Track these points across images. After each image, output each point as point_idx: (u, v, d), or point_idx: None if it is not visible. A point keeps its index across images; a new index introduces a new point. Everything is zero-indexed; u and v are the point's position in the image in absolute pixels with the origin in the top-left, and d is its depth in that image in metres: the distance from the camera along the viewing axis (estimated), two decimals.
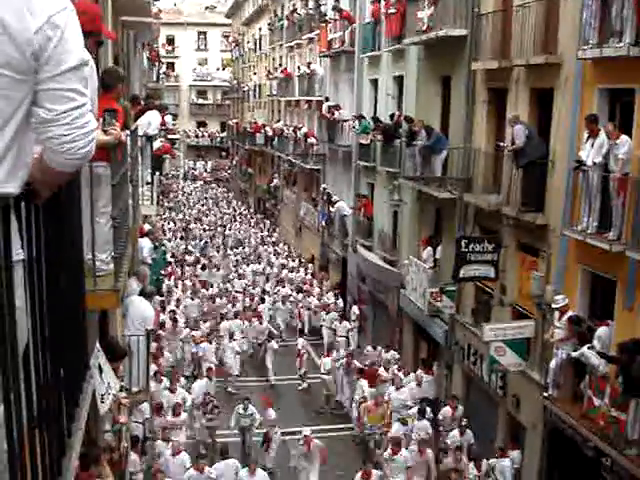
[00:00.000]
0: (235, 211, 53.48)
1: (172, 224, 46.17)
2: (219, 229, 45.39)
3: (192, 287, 28.66)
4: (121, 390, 10.41)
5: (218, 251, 38.28)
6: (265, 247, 39.54)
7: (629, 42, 11.62)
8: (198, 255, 36.81)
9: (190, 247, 39.22)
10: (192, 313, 25.33)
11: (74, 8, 2.49)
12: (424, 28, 19.59)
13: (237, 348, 22.49)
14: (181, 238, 41.72)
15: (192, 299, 26.32)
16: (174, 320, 22.59)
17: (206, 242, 39.94)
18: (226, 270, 33.79)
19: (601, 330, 12.45)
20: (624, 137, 12.01)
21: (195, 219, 48.95)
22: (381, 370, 20.20)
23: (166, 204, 53.05)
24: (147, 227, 18.86)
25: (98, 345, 7.78)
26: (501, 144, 15.82)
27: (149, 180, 14.88)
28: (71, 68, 2.43)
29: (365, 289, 27.23)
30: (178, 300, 26.04)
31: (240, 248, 39.57)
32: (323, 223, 32.07)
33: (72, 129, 2.49)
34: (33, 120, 2.47)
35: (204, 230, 44.90)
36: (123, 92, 8.56)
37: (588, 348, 12.02)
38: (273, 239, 42.37)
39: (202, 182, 70.09)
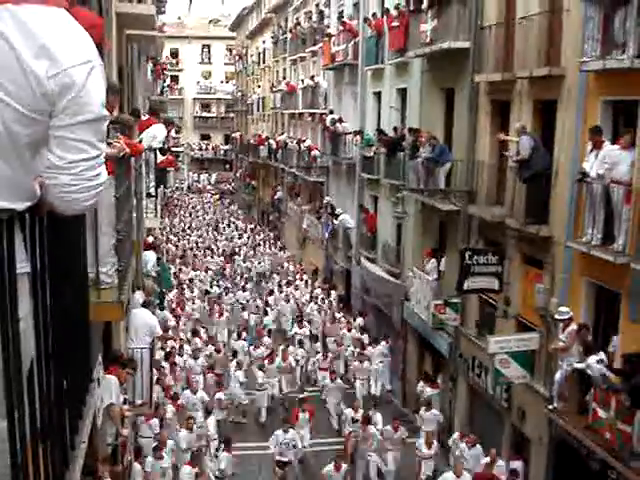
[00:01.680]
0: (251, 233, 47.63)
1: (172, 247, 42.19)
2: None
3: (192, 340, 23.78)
4: (125, 403, 10.41)
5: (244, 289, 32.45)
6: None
7: (632, 54, 11.62)
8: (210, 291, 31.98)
9: (198, 279, 33.82)
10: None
11: (101, 64, 2.48)
12: (427, 41, 19.64)
13: (241, 378, 20.68)
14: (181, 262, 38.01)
15: (195, 358, 21.29)
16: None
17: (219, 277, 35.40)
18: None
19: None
20: (631, 150, 12.08)
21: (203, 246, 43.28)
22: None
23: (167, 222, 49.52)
24: (151, 239, 18.89)
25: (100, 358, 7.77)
26: (506, 154, 15.80)
27: (153, 193, 14.92)
28: (87, 120, 2.42)
29: (369, 301, 27.18)
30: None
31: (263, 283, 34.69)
32: (326, 236, 32.06)
33: (79, 180, 2.49)
34: (43, 163, 2.47)
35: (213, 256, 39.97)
36: (117, 104, 8.59)
37: (597, 362, 11.95)
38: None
39: (209, 194, 69.50)
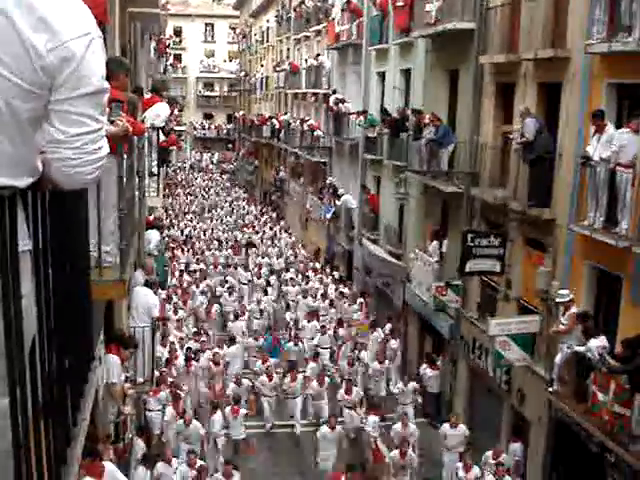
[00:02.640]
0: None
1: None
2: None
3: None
4: (126, 381, 10.47)
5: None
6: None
7: (638, 37, 11.56)
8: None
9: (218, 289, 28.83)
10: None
11: (100, 36, 2.46)
12: (432, 21, 19.53)
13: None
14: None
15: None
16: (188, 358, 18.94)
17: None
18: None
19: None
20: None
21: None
22: None
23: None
24: (152, 217, 18.87)
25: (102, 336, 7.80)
26: (510, 136, 15.75)
27: (155, 172, 14.90)
28: (87, 93, 2.40)
29: (370, 282, 27.21)
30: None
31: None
32: (328, 216, 32.01)
33: (81, 154, 2.47)
34: (45, 137, 2.45)
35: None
36: (128, 82, 8.55)
37: (600, 354, 11.97)
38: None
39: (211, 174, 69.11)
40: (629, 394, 11.27)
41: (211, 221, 44.46)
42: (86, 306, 4.52)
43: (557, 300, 13.64)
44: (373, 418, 17.23)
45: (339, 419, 17.36)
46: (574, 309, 13.23)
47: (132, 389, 10.78)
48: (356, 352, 21.43)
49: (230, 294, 27.24)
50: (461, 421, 16.73)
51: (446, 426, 16.37)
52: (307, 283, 28.25)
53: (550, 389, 13.71)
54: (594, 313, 13.68)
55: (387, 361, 20.62)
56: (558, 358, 13.39)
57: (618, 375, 11.57)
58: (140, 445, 13.52)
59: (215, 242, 37.14)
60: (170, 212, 45.62)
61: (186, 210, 48.53)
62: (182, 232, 39.88)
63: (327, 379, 19.35)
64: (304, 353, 22.13)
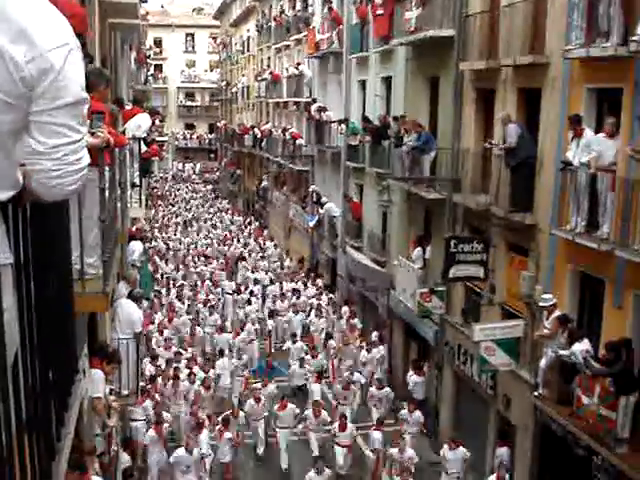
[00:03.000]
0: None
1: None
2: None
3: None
4: (111, 394, 10.40)
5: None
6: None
7: (616, 42, 11.66)
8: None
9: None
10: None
11: (79, 46, 2.45)
12: (412, 29, 19.60)
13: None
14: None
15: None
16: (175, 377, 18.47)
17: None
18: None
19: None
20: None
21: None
22: None
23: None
24: (135, 228, 18.78)
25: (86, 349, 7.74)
26: (492, 142, 15.81)
27: (137, 182, 14.84)
28: (67, 104, 2.39)
29: (354, 290, 27.22)
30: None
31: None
32: (311, 225, 32.02)
33: (62, 165, 2.46)
34: (25, 149, 2.43)
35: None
36: (109, 94, 8.53)
37: (584, 358, 12.01)
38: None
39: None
40: (614, 397, 11.32)
41: (197, 234, 43.63)
42: (69, 319, 4.48)
43: (540, 304, 13.70)
44: (377, 434, 17.00)
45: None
46: (557, 313, 13.30)
47: (116, 402, 10.70)
48: (350, 375, 20.38)
49: (211, 314, 25.97)
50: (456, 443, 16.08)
51: (445, 448, 16.01)
52: (298, 298, 27.41)
53: (535, 393, 13.75)
54: (578, 317, 13.75)
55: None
56: (543, 362, 13.44)
57: (603, 378, 11.63)
58: (125, 458, 13.44)
59: (202, 257, 36.45)
60: (153, 224, 45.23)
61: (167, 223, 47.86)
62: (167, 245, 39.23)
63: (324, 412, 17.72)
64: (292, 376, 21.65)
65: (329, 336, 23.52)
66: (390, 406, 19.61)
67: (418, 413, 17.79)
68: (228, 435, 16.77)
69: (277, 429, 18.00)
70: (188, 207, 55.05)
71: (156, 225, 45.52)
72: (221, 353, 21.32)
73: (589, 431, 11.87)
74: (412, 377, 19.70)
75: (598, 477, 12.43)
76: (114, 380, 10.87)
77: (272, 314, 26.62)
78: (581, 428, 12.11)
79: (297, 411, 18.03)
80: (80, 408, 6.22)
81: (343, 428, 17.22)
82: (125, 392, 11.55)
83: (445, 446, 16.14)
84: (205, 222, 47.72)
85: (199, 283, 31.04)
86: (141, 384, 14.33)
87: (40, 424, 3.14)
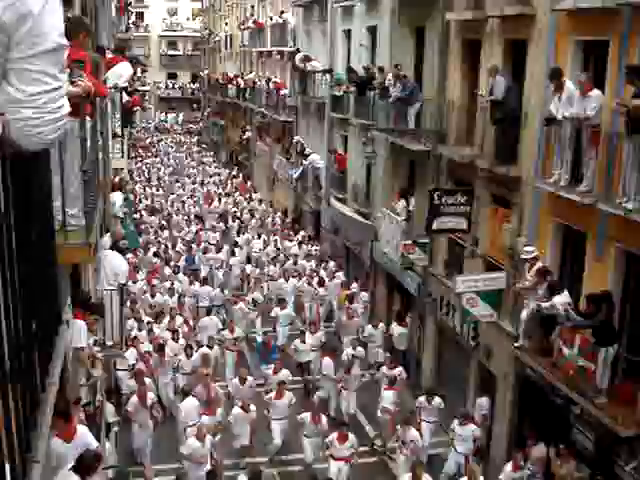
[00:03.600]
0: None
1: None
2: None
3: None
4: (95, 344, 10.43)
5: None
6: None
7: None
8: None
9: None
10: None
11: None
12: None
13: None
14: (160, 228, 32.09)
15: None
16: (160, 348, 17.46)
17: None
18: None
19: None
20: (595, 92, 12.02)
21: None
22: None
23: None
24: (117, 179, 18.63)
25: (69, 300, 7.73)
26: (479, 92, 15.70)
27: (119, 133, 14.70)
28: (46, 51, 2.33)
29: (339, 242, 27.28)
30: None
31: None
32: (294, 176, 31.86)
33: (41, 113, 2.42)
34: (3, 97, 2.38)
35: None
36: (89, 42, 8.37)
37: (565, 310, 12.12)
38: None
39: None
40: (593, 348, 11.48)
41: (182, 189, 42.14)
42: (52, 270, 4.47)
43: (522, 257, 13.78)
44: (388, 393, 16.50)
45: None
46: (539, 265, 13.39)
47: (101, 352, 10.74)
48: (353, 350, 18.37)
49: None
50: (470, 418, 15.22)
51: (455, 423, 14.88)
52: (295, 263, 25.88)
53: (516, 344, 13.92)
54: (559, 269, 13.86)
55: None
56: (524, 314, 13.57)
57: (583, 330, 11.78)
58: (110, 408, 13.53)
59: (192, 217, 34.85)
60: (135, 176, 44.51)
61: (149, 175, 46.97)
62: (152, 202, 37.86)
63: (324, 418, 15.36)
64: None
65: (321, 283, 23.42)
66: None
67: (438, 400, 15.93)
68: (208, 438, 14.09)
69: (272, 420, 15.81)
70: (170, 161, 54.17)
71: (138, 179, 44.74)
72: (208, 312, 21.06)
73: (568, 381, 12.06)
74: (395, 328, 19.88)
75: (577, 427, 12.69)
76: (98, 330, 10.89)
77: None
78: (561, 379, 12.30)
79: (294, 400, 16.06)
80: (65, 359, 6.24)
81: (342, 439, 14.38)
82: (109, 343, 11.60)
83: (455, 421, 14.89)
84: (189, 177, 46.69)
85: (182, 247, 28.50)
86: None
87: (24, 375, 3.14)
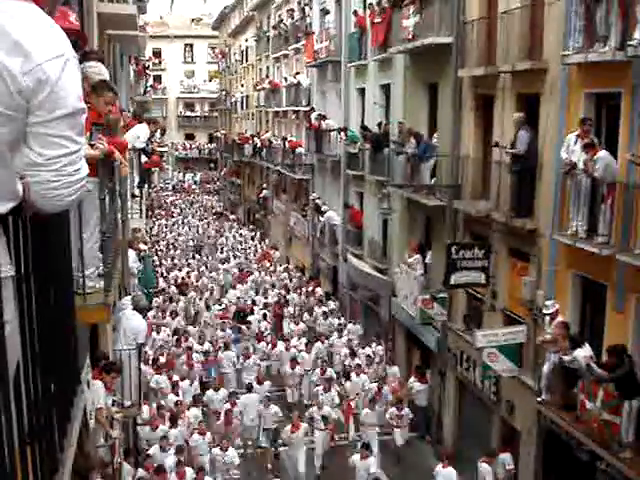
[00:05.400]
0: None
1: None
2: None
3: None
4: (113, 404, 10.38)
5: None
6: None
7: (614, 46, 11.69)
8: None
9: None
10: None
11: (75, 56, 2.45)
12: (410, 36, 19.65)
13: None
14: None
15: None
16: None
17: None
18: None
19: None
20: (602, 153, 12.08)
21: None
22: None
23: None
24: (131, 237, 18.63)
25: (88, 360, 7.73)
26: (501, 144, 15.58)
27: (137, 193, 14.86)
28: (64, 115, 2.39)
29: (356, 298, 27.19)
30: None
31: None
32: (317, 234, 31.67)
33: (60, 176, 2.46)
34: (23, 161, 2.44)
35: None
36: (116, 104, 8.53)
37: (586, 364, 11.97)
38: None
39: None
40: (617, 401, 11.30)
41: (206, 267, 36.31)
42: (70, 330, 4.48)
43: (543, 311, 13.68)
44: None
45: None
46: (560, 319, 13.27)
47: (119, 413, 10.69)
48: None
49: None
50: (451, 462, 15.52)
51: (439, 466, 15.43)
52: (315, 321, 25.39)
53: (539, 399, 13.73)
54: (580, 321, 13.73)
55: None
56: (545, 368, 13.41)
57: (606, 383, 11.61)
58: (128, 469, 13.42)
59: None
60: (153, 237, 42.25)
61: (171, 241, 43.72)
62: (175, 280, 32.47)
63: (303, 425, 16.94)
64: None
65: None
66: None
67: (407, 410, 18.13)
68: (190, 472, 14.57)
69: (288, 454, 16.71)
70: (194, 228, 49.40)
71: (155, 238, 42.80)
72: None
73: (593, 436, 11.85)
74: (415, 384, 19.66)
75: None
76: (116, 391, 10.85)
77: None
78: (585, 433, 12.08)
79: (308, 430, 17.09)
80: (85, 420, 6.22)
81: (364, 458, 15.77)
82: (128, 403, 11.54)
83: (439, 465, 15.51)
84: (216, 250, 41.31)
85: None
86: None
87: (42, 435, 3.14)
